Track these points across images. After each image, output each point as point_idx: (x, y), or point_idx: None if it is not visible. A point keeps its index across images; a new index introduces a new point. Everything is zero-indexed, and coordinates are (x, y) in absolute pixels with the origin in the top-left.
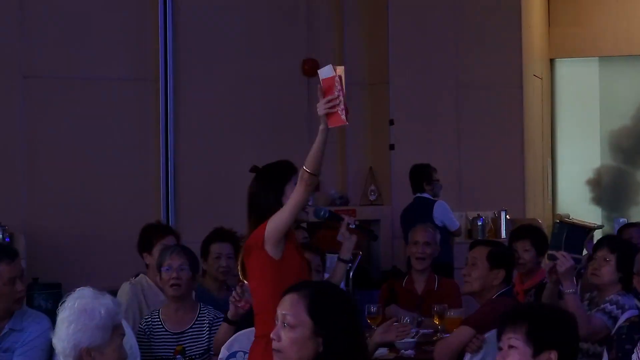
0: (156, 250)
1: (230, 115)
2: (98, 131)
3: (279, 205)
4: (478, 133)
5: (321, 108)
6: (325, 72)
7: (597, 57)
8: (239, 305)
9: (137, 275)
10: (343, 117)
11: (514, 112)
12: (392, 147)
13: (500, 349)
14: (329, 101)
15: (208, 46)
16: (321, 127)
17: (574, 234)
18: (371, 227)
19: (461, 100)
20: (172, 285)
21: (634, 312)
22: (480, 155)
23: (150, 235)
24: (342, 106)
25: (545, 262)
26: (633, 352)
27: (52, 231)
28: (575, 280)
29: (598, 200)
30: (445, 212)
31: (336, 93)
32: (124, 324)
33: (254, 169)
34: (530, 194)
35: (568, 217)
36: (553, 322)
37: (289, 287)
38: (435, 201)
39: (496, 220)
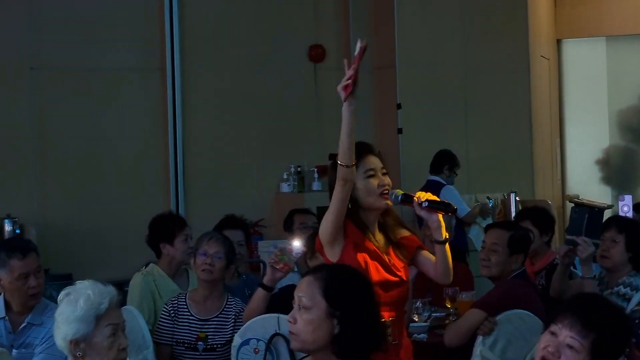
0: (178, 241)
1: (238, 102)
2: (106, 121)
3: None
4: (486, 115)
5: (340, 84)
6: (356, 48)
7: (604, 37)
8: (278, 268)
9: (147, 265)
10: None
11: (522, 94)
12: (400, 131)
13: (552, 333)
14: (349, 78)
15: (214, 33)
16: (342, 108)
17: (593, 218)
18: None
19: (468, 82)
20: (203, 270)
21: None
22: (488, 137)
23: (173, 227)
24: (354, 76)
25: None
26: None
27: (63, 222)
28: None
29: (607, 180)
30: (451, 197)
31: (355, 65)
32: (135, 313)
33: (331, 156)
34: (540, 175)
35: (577, 197)
36: (620, 338)
37: (307, 270)
38: (444, 185)
39: (506, 202)
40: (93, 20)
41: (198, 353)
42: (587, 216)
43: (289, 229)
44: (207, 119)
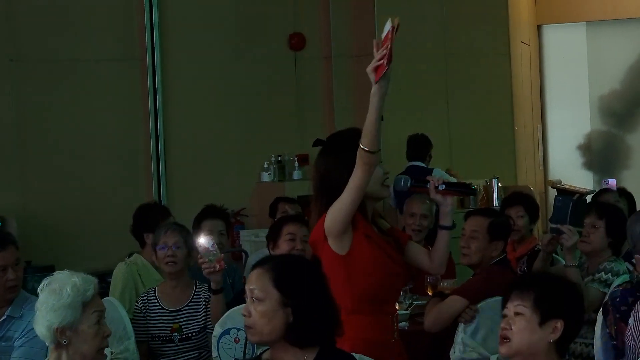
0: None
1: (219, 91)
2: (87, 112)
3: None
4: (467, 101)
5: (370, 66)
6: (385, 28)
7: (584, 22)
8: (216, 270)
9: (130, 255)
10: (385, 63)
11: (503, 80)
12: (381, 117)
13: (504, 316)
14: (380, 58)
15: (194, 23)
16: (372, 91)
17: (577, 207)
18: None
19: (449, 68)
20: (167, 263)
21: (625, 277)
22: (470, 123)
23: (157, 216)
24: (388, 56)
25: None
26: (629, 316)
27: (44, 213)
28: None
29: (589, 164)
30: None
31: (387, 44)
32: (116, 304)
33: (318, 142)
34: (522, 160)
35: (560, 182)
36: (561, 291)
37: (255, 262)
38: (433, 169)
39: (488, 188)
40: (72, 11)
41: (174, 344)
42: (572, 204)
43: (273, 215)
44: (187, 108)
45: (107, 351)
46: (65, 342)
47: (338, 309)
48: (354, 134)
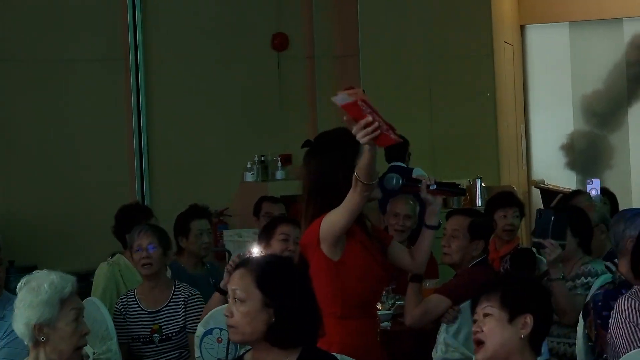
0: None
1: (202, 91)
2: (70, 112)
3: (349, 185)
4: (450, 102)
5: (361, 136)
6: (340, 99)
7: (568, 22)
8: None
9: (113, 256)
10: (392, 136)
11: (486, 80)
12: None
13: (475, 321)
14: (366, 126)
15: (177, 23)
16: (366, 147)
17: (559, 220)
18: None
19: (432, 68)
20: (143, 265)
21: (607, 277)
22: (453, 123)
23: (139, 217)
24: (384, 126)
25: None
26: (610, 318)
27: (27, 213)
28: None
29: (572, 165)
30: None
31: (370, 117)
32: (99, 304)
33: (307, 143)
34: (505, 160)
35: (543, 182)
36: (526, 287)
37: (238, 263)
38: (413, 168)
39: (471, 188)
40: (56, 11)
41: (155, 345)
42: (553, 218)
43: (257, 215)
44: (170, 108)
45: (89, 351)
46: (43, 339)
47: (320, 311)
48: (342, 133)
